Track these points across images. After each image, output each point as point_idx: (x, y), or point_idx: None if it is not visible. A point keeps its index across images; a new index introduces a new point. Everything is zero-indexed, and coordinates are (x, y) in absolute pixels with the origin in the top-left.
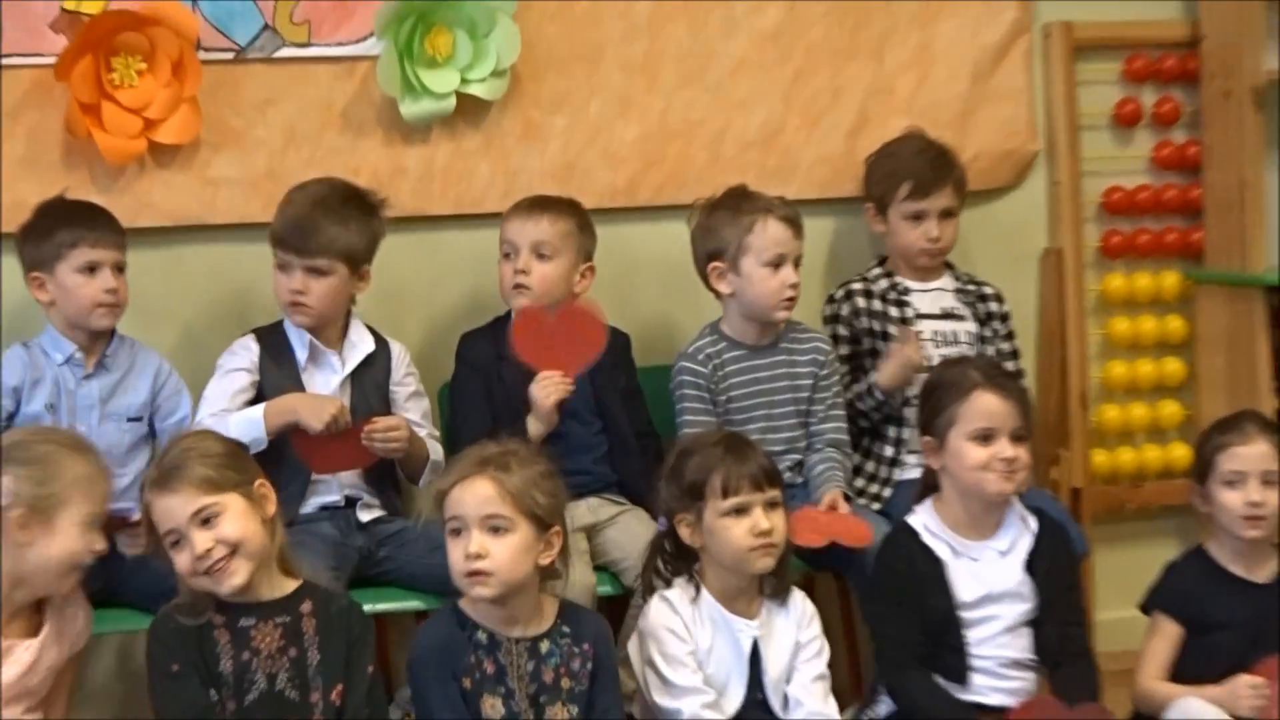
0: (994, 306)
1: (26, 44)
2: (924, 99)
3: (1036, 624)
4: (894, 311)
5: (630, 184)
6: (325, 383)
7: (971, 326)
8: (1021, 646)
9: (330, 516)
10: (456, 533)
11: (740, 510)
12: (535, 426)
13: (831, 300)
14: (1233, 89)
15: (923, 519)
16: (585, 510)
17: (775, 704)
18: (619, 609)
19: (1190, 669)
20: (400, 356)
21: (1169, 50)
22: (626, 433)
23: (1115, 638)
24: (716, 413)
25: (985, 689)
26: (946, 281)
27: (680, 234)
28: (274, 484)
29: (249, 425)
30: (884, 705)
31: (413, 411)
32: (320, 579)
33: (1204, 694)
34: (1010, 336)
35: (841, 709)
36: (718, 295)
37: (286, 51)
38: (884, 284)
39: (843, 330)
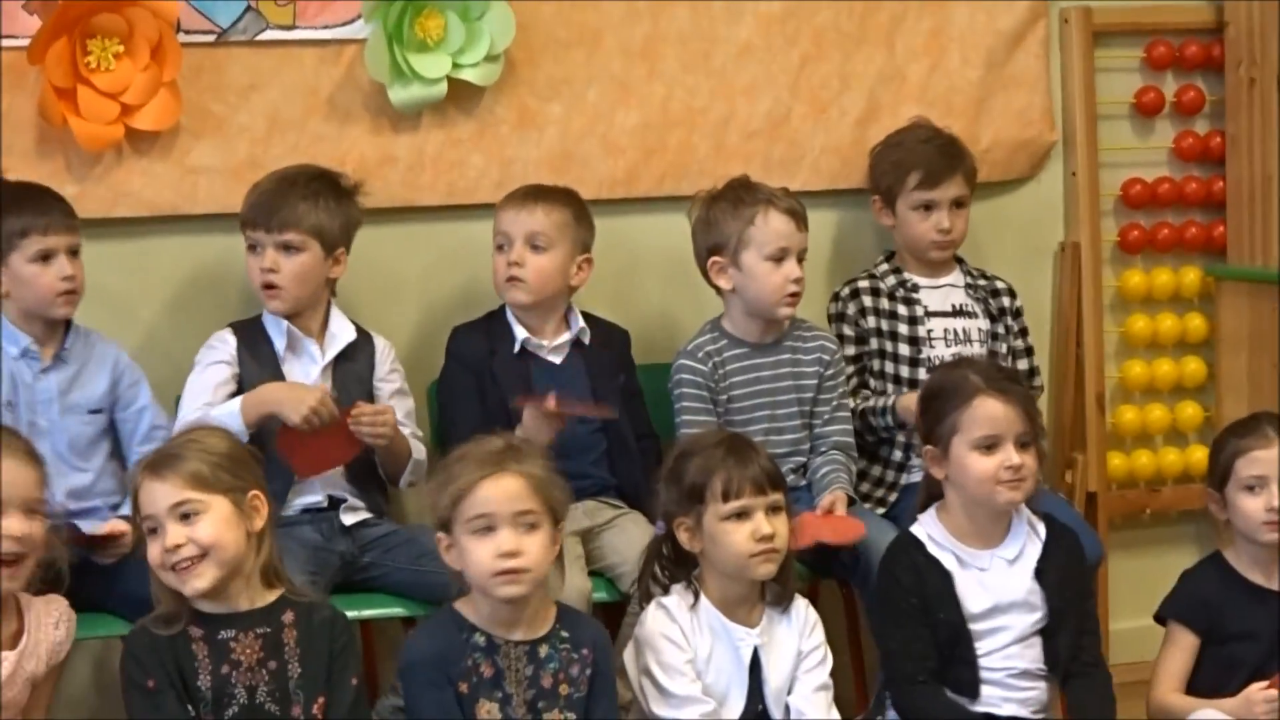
0: (1006, 302)
1: None
2: (936, 87)
3: (1047, 633)
4: (903, 310)
5: (630, 174)
6: (305, 373)
7: (984, 324)
8: (1032, 657)
9: (313, 520)
10: (485, 531)
11: (741, 514)
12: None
13: (837, 298)
14: (1258, 77)
15: (926, 529)
16: (582, 514)
17: (776, 714)
18: (615, 616)
19: (1208, 680)
20: (384, 351)
21: (1192, 36)
22: (626, 434)
23: (1132, 648)
24: (717, 413)
25: (996, 699)
26: (957, 277)
27: (682, 227)
28: None
29: (228, 419)
30: (891, 716)
31: (396, 410)
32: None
33: (1220, 706)
34: (1024, 333)
35: (846, 719)
36: (719, 291)
37: (270, 34)
38: (892, 281)
39: (849, 330)
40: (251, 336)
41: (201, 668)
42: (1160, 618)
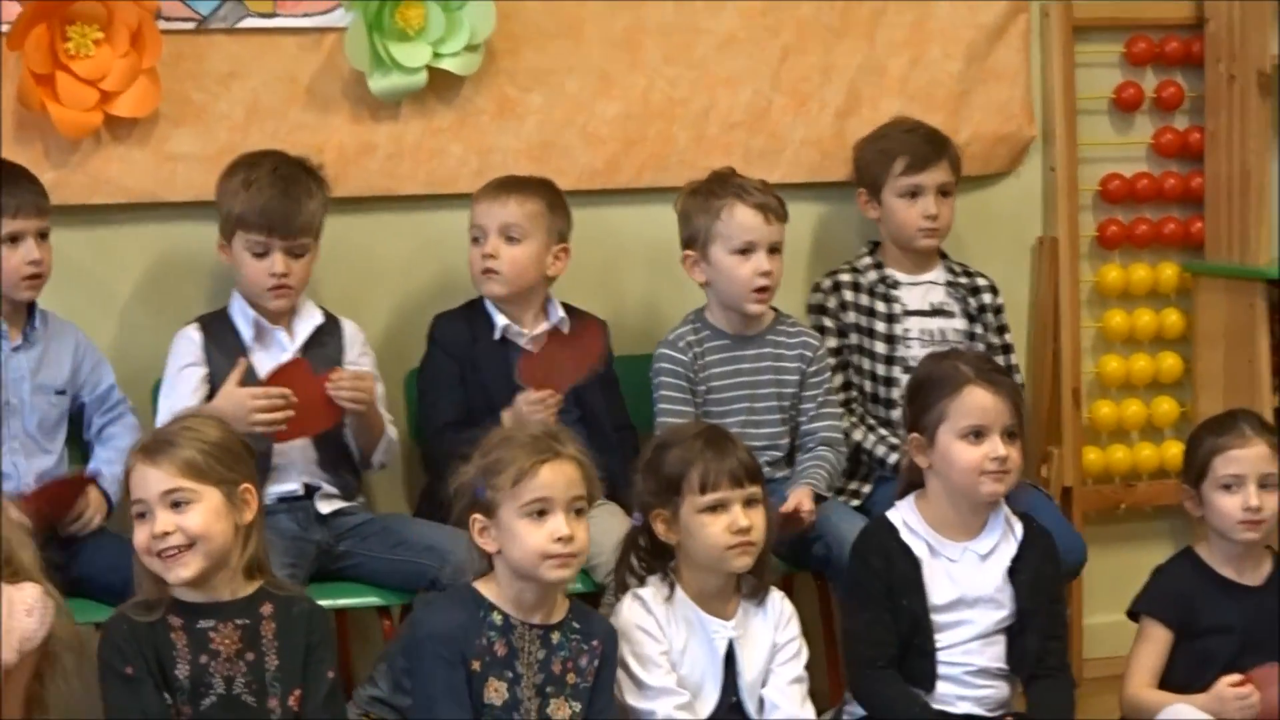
0: (987, 299)
1: None
2: (917, 80)
3: (1013, 633)
4: (881, 307)
5: (610, 165)
6: (275, 361)
7: (960, 324)
8: (993, 655)
9: (289, 509)
10: (540, 514)
11: (718, 507)
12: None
13: (818, 289)
14: (1237, 74)
15: (903, 515)
16: None
17: (750, 707)
18: (590, 607)
19: (1181, 675)
20: (353, 334)
21: (1172, 32)
22: (604, 424)
23: (1106, 643)
24: (696, 403)
25: (951, 697)
26: (938, 274)
27: (662, 217)
28: None
29: None
30: (860, 708)
31: None
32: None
33: (1193, 701)
34: (1003, 330)
35: (820, 712)
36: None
37: (250, 22)
38: (873, 276)
39: (829, 322)
40: (218, 330)
41: (180, 657)
42: (1133, 613)
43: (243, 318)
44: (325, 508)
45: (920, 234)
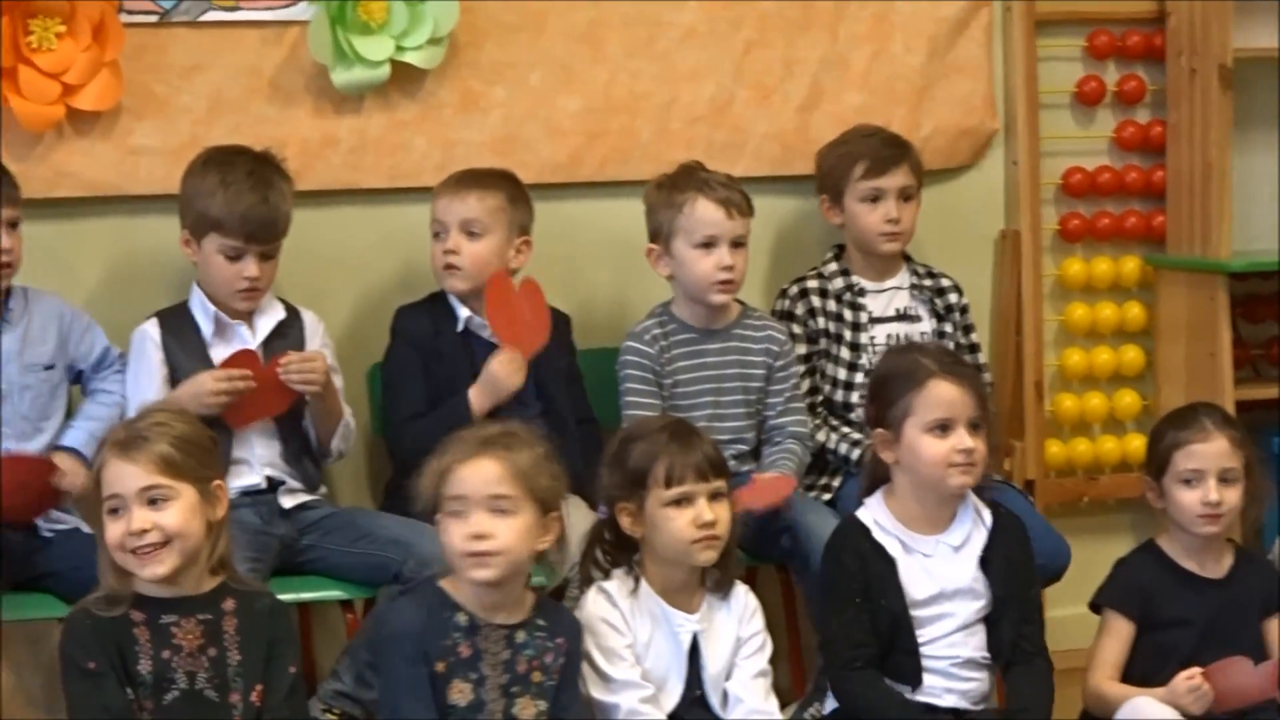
0: (953, 299)
1: None
2: (879, 73)
3: (990, 621)
4: (848, 315)
5: (573, 158)
6: None
7: (927, 327)
8: (976, 645)
9: (252, 503)
10: (457, 514)
11: (683, 500)
12: (482, 400)
13: (785, 295)
14: (1199, 68)
15: (873, 514)
16: None
17: (715, 701)
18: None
19: (1142, 667)
20: (314, 326)
21: (1133, 26)
22: (567, 418)
23: (1069, 635)
24: (662, 396)
25: (938, 690)
26: (903, 278)
27: (625, 211)
28: None
29: None
30: (829, 703)
31: None
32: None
33: (1154, 693)
34: (970, 330)
35: (783, 706)
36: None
37: (213, 15)
38: (840, 283)
39: (798, 329)
40: (177, 324)
41: (143, 652)
42: (1095, 605)
43: (203, 312)
44: (288, 502)
45: (882, 238)
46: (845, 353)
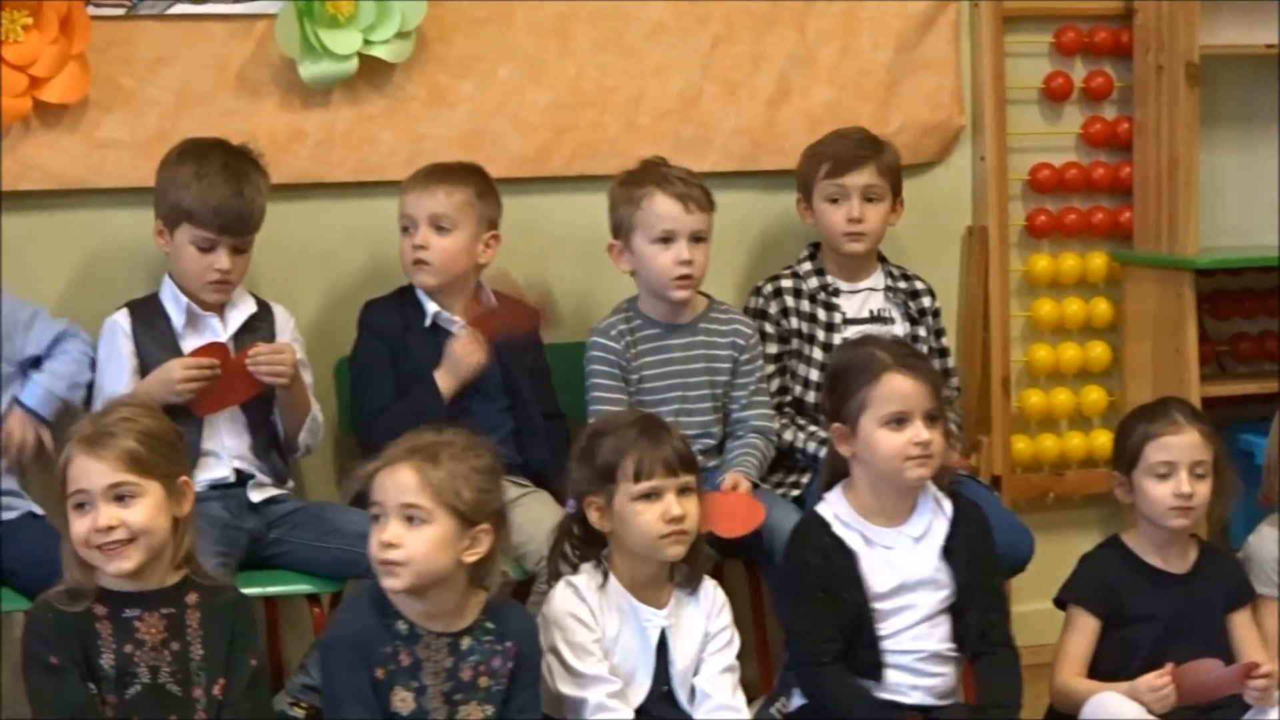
0: (926, 303)
1: None
2: (847, 69)
3: (955, 611)
4: (822, 315)
5: (541, 153)
6: None
7: (900, 330)
8: (940, 636)
9: (221, 496)
10: (376, 519)
11: (652, 495)
12: (447, 382)
13: (759, 293)
14: (1166, 64)
15: (833, 508)
16: None
17: (682, 696)
18: (520, 594)
19: (1108, 663)
20: (285, 321)
21: (1101, 23)
22: (534, 413)
23: (1035, 630)
24: (629, 392)
25: (904, 687)
26: (877, 279)
27: (593, 206)
28: None
29: None
30: (795, 698)
31: None
32: (206, 565)
33: (1119, 688)
34: (941, 334)
35: (750, 700)
36: None
37: (181, 8)
38: (814, 283)
39: (770, 329)
40: (148, 315)
41: (105, 646)
42: (1060, 601)
43: (174, 304)
44: (257, 495)
45: (845, 238)
46: (817, 353)
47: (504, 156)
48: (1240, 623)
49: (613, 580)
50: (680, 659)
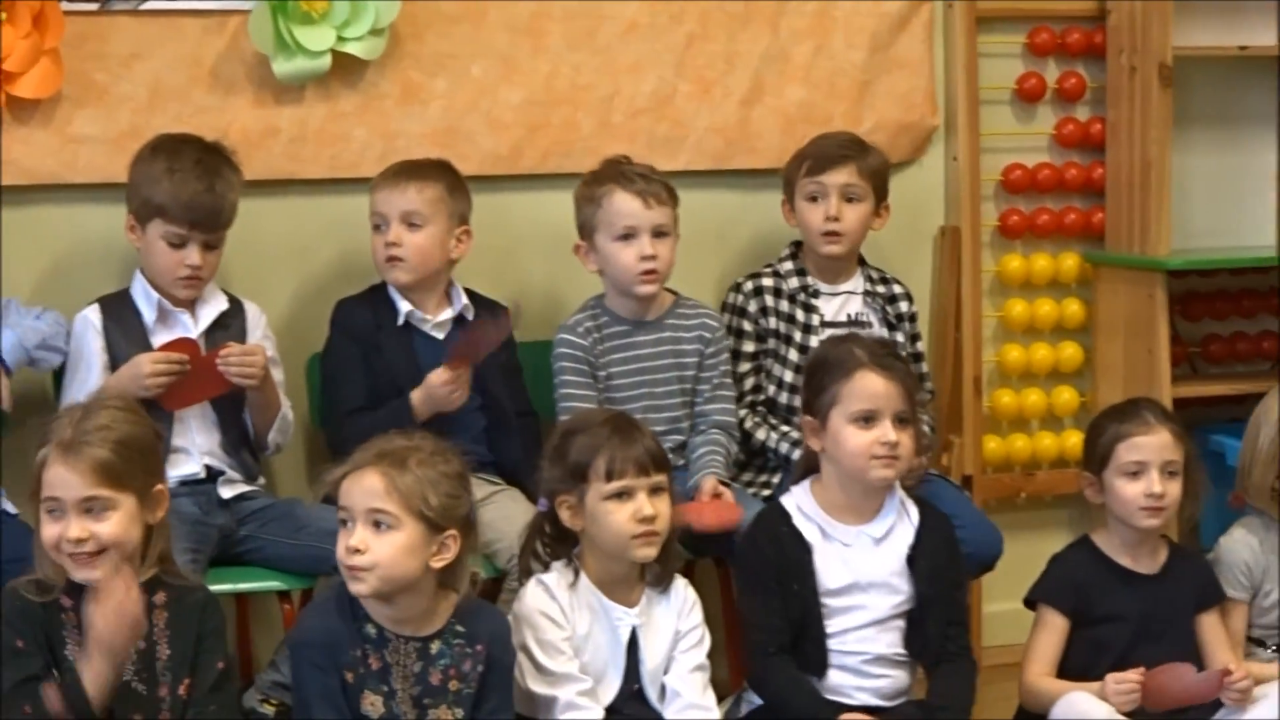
0: (904, 308)
1: None
2: (821, 68)
3: (913, 620)
4: (800, 316)
5: (514, 151)
6: None
7: (877, 334)
8: (889, 642)
9: (191, 493)
10: (344, 523)
11: (623, 495)
12: (424, 409)
13: (739, 289)
14: (1139, 65)
15: (796, 500)
16: None
17: (653, 695)
18: (491, 592)
19: (1077, 662)
20: (256, 318)
21: (1074, 24)
22: (506, 411)
23: (1005, 630)
24: (597, 388)
25: (847, 687)
26: (857, 282)
27: (566, 204)
28: None
29: None
30: (744, 705)
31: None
32: (176, 562)
33: (1088, 688)
34: (916, 338)
35: (720, 699)
36: None
37: (154, 4)
38: (795, 283)
39: (748, 326)
40: (119, 310)
41: (70, 638)
42: (1030, 601)
43: (145, 299)
44: (227, 492)
45: (823, 238)
46: (793, 354)
47: (477, 154)
48: (1209, 625)
49: (584, 578)
50: (651, 657)
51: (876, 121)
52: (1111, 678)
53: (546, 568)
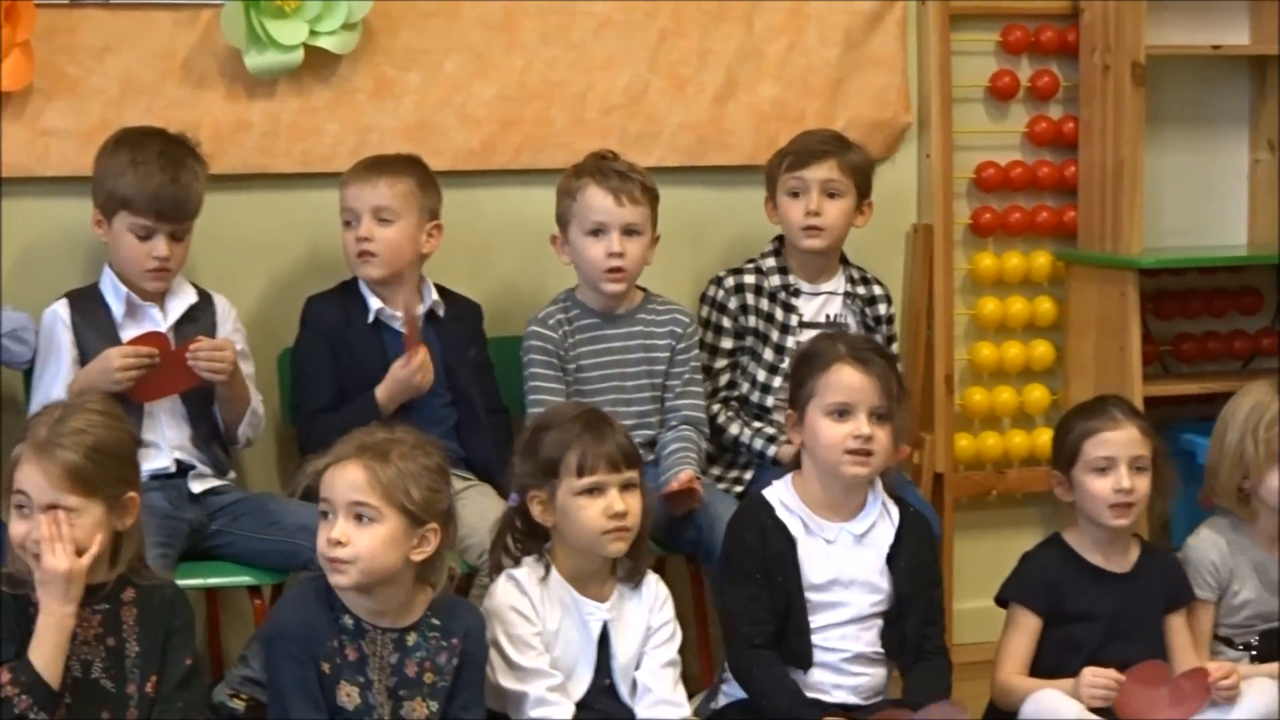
0: (882, 309)
1: None
2: (794, 65)
3: (890, 619)
4: (779, 315)
5: (486, 146)
6: None
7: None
8: (869, 640)
9: (161, 487)
10: (324, 515)
11: (594, 490)
12: (392, 401)
13: (719, 284)
14: (1112, 64)
15: (779, 493)
16: None
17: (624, 690)
18: (462, 587)
19: (1049, 661)
20: (226, 311)
21: (1047, 22)
22: (476, 406)
23: (977, 628)
24: (566, 381)
25: (827, 685)
26: (838, 283)
27: (538, 199)
28: None
29: None
30: (736, 692)
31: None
32: (146, 556)
33: (1060, 686)
34: (892, 340)
35: (691, 695)
36: None
37: None
38: (776, 281)
39: (727, 323)
40: (87, 305)
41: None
42: (1001, 600)
43: (114, 294)
44: (198, 486)
45: (804, 233)
46: (769, 354)
47: (450, 149)
48: (1175, 627)
49: (555, 574)
50: (622, 653)
51: (850, 119)
52: (1088, 671)
53: (517, 563)
